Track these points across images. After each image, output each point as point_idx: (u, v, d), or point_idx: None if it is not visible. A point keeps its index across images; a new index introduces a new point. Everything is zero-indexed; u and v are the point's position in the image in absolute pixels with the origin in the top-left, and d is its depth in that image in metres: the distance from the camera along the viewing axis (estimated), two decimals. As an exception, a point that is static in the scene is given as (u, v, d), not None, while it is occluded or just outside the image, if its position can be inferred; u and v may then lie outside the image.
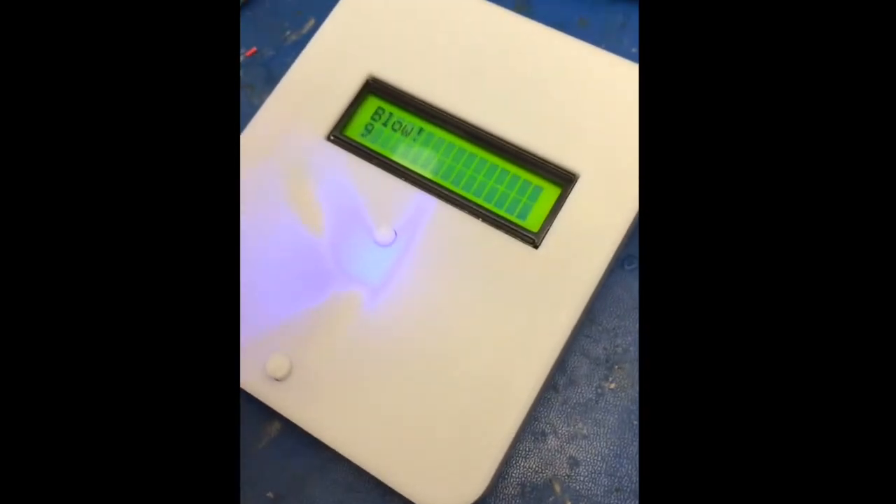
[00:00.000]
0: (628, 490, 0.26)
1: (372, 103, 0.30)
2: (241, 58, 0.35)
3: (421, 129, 0.29)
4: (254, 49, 0.35)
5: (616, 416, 0.28)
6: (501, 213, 0.28)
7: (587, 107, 0.28)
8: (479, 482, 0.25)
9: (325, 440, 0.26)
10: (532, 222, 0.27)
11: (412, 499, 0.25)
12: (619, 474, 0.27)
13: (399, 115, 0.30)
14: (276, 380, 0.26)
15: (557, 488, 0.27)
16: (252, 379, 0.26)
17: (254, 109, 0.32)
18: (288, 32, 0.36)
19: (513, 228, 0.27)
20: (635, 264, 0.30)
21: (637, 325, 0.29)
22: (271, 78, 0.35)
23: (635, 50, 0.33)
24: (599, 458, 0.27)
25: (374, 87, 0.30)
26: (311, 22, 0.36)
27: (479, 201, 0.28)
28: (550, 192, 0.28)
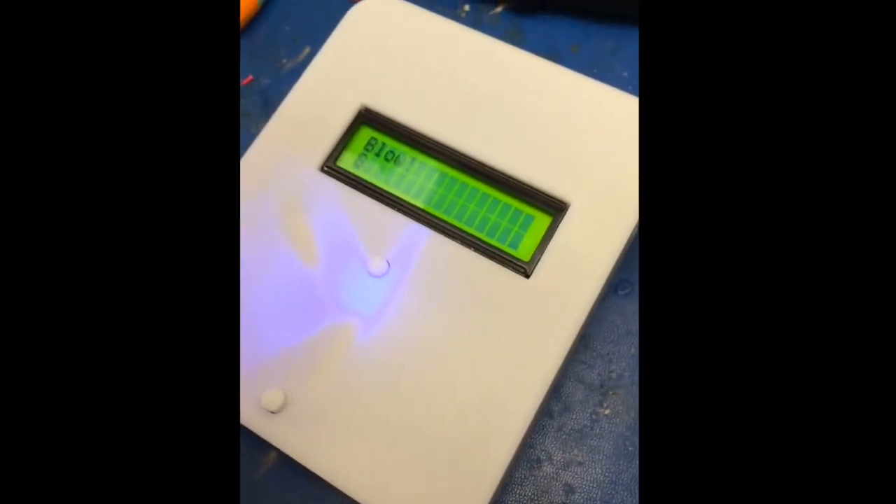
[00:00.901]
0: (623, 518, 0.27)
1: (365, 133, 0.30)
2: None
3: (413, 159, 0.30)
4: (250, 77, 0.36)
5: (611, 443, 0.28)
6: (493, 242, 0.28)
7: (577, 136, 0.28)
8: (474, 511, 0.25)
9: (319, 473, 0.26)
10: (523, 252, 0.28)
11: (407, 529, 0.25)
12: (614, 501, 0.27)
13: (392, 145, 0.30)
14: (271, 412, 0.26)
15: (552, 516, 0.27)
16: (247, 411, 0.26)
17: (250, 137, 0.33)
18: (284, 60, 0.36)
19: (504, 258, 0.27)
20: (629, 289, 0.30)
21: (631, 350, 0.29)
22: (268, 105, 0.35)
23: (627, 74, 0.33)
24: (595, 486, 0.27)
25: (366, 118, 0.30)
26: (307, 50, 0.36)
27: (471, 231, 0.28)
28: (541, 221, 0.28)
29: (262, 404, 0.26)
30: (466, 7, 0.36)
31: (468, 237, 0.28)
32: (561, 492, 0.27)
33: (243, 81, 0.36)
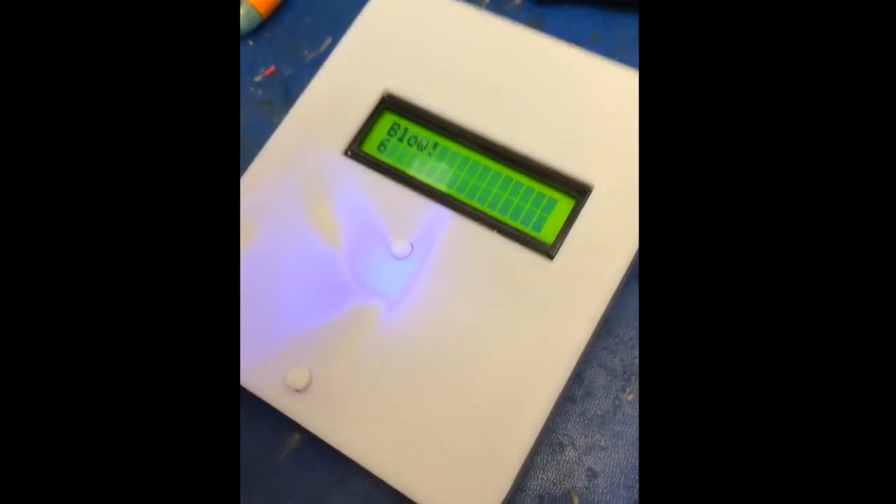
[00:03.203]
0: (647, 502, 0.26)
1: (388, 119, 0.31)
2: (261, 77, 0.36)
3: (436, 144, 0.30)
4: (273, 68, 0.36)
5: (634, 428, 0.28)
6: (516, 225, 0.28)
7: (600, 119, 0.28)
8: (498, 494, 0.25)
9: (344, 451, 0.26)
10: (547, 234, 0.28)
11: (430, 510, 0.25)
12: (637, 486, 0.27)
13: (414, 130, 0.30)
14: (297, 391, 0.26)
15: (576, 500, 0.27)
16: (272, 390, 0.27)
17: (273, 127, 0.33)
18: (306, 51, 0.36)
19: (528, 240, 0.27)
20: (651, 275, 0.30)
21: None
22: (289, 96, 0.35)
23: (648, 63, 0.33)
24: (618, 470, 0.27)
25: (389, 103, 0.31)
26: (329, 41, 0.36)
27: (494, 214, 0.28)
28: (565, 204, 0.28)
29: (287, 382, 0.26)
30: (487, -2, 0.36)
31: (491, 220, 0.28)
32: (584, 476, 0.27)
33: (266, 72, 0.36)
